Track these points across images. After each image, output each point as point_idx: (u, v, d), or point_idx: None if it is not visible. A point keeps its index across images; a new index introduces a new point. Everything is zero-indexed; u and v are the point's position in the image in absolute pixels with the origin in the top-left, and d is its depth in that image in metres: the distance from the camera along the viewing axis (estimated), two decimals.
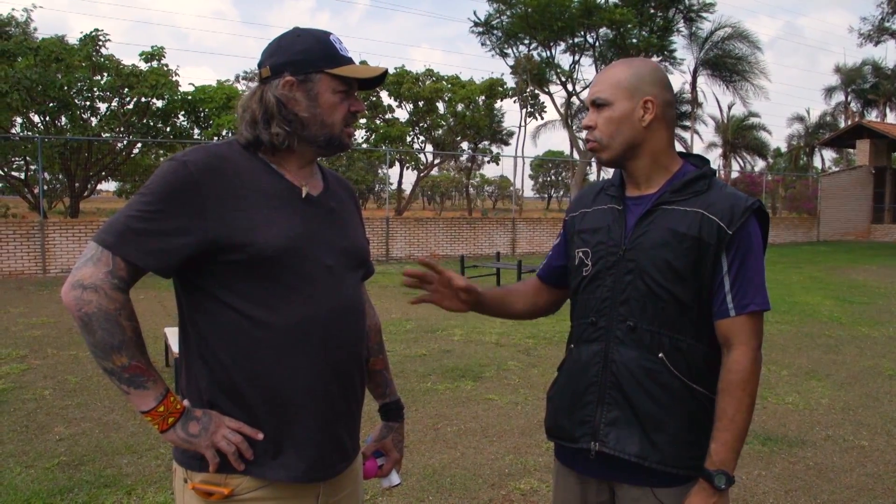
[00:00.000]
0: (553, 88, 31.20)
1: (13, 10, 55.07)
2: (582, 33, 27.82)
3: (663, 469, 1.51)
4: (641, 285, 1.53)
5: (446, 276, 1.63)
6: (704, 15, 28.84)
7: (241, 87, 24.77)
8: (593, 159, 24.00)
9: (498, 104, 30.25)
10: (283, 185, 1.45)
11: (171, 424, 1.35)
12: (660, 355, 1.51)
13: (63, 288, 1.32)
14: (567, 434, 1.62)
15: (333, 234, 1.49)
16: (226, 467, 1.37)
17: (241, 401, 1.39)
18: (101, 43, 17.33)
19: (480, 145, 32.25)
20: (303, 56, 1.42)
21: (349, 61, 1.47)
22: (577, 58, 28.95)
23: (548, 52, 29.12)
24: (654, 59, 28.88)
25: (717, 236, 1.49)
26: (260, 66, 1.47)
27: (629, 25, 26.69)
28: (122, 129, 18.34)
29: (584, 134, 1.68)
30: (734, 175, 35.63)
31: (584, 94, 24.32)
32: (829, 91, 42.15)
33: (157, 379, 1.36)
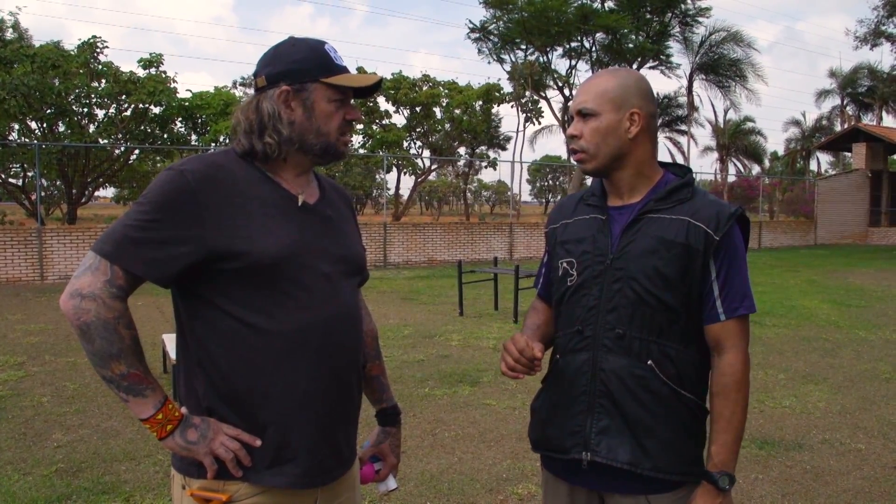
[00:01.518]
0: (550, 93, 31.34)
1: None
2: (579, 38, 27.93)
3: (655, 475, 1.51)
4: (630, 293, 1.53)
5: (529, 356, 1.55)
6: (700, 19, 28.99)
7: (238, 92, 24.78)
8: None
9: (495, 109, 30.29)
10: (280, 193, 1.46)
11: (170, 432, 1.36)
12: (648, 362, 1.52)
13: (62, 297, 1.33)
14: (557, 445, 1.62)
15: (330, 241, 1.51)
16: (224, 474, 1.39)
17: (239, 407, 1.40)
18: (98, 50, 17.36)
19: (478, 150, 32.27)
20: (298, 65, 1.44)
21: (344, 70, 1.48)
22: (573, 63, 29.08)
23: (545, 57, 29.23)
24: (650, 63, 29.02)
25: (705, 242, 1.51)
26: (255, 75, 1.49)
27: (625, 31, 26.79)
28: (119, 135, 18.34)
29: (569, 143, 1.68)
30: (731, 179, 35.68)
31: None
32: (822, 94, 42.19)
33: (156, 387, 1.37)
